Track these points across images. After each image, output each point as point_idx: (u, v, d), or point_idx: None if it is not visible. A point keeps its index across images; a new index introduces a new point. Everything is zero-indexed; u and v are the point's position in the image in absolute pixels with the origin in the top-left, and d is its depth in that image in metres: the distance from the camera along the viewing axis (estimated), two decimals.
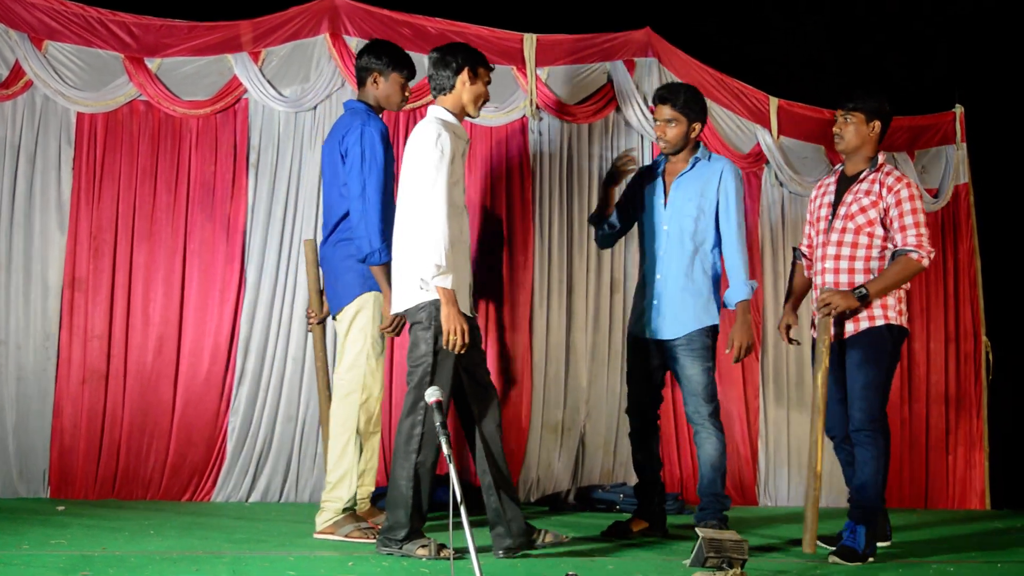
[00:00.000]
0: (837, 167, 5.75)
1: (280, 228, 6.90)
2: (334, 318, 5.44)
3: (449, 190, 4.73)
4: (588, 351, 7.34)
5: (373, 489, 5.72)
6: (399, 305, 4.87)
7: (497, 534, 4.84)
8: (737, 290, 5.59)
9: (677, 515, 6.81)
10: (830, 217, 5.55)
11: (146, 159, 6.82)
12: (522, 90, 7.32)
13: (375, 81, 5.47)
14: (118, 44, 6.79)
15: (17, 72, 6.65)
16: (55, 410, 6.55)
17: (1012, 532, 6.68)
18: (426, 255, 4.67)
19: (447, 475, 6.74)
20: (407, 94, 5.60)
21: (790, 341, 5.85)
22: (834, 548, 5.13)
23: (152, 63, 6.84)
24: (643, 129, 7.53)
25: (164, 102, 6.83)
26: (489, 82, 5.05)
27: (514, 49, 7.32)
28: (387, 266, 5.06)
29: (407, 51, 7.01)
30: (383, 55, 5.50)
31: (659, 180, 5.79)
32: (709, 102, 7.67)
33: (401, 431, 4.80)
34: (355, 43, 7.04)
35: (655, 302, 5.65)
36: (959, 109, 8.37)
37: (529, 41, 7.33)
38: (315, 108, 7.04)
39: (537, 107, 7.33)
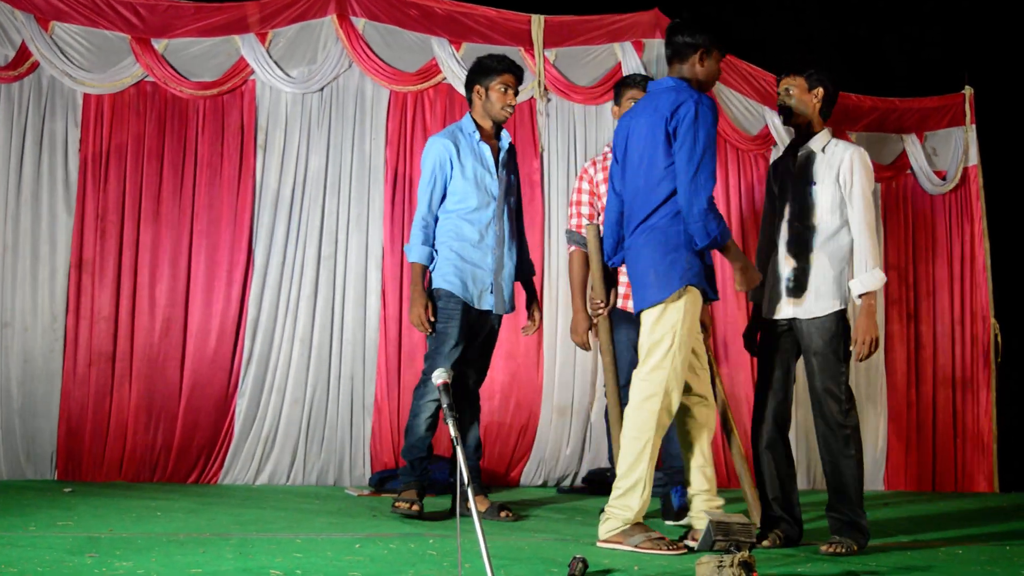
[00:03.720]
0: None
1: (288, 209, 6.90)
2: (638, 314, 4.78)
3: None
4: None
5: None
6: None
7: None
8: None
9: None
10: None
11: (153, 140, 6.82)
12: (530, 71, 7.29)
13: (702, 59, 4.77)
14: (125, 25, 6.79)
15: (23, 53, 6.65)
16: (62, 392, 6.57)
17: (1021, 514, 6.65)
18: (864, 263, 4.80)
19: (439, 456, 6.78)
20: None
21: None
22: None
23: (159, 44, 6.84)
24: None
25: (171, 83, 6.82)
26: None
27: (522, 30, 7.30)
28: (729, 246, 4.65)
29: (415, 32, 7.04)
30: (709, 30, 4.83)
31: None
32: (718, 84, 7.66)
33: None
34: (362, 24, 7.03)
35: None
36: (968, 91, 8.33)
37: (537, 22, 7.30)
38: (322, 89, 7.04)
39: (545, 88, 7.31)
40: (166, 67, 6.82)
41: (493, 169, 5.58)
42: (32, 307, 6.59)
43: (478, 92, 5.59)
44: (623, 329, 5.69)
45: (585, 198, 5.94)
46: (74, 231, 6.66)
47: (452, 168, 5.50)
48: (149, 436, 6.63)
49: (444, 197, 5.53)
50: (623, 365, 5.77)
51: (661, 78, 4.82)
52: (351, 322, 6.92)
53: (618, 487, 4.70)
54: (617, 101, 5.97)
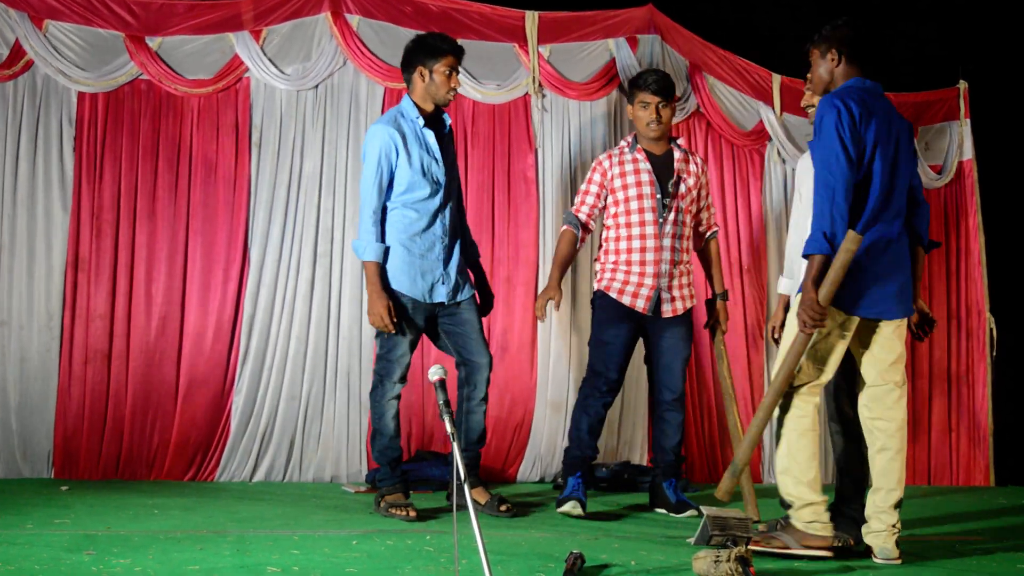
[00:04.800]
0: (632, 144, 6.05)
1: (284, 206, 6.89)
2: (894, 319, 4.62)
3: None
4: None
5: None
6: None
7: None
8: None
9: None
10: (659, 195, 5.86)
11: (148, 138, 6.81)
12: (524, 68, 7.29)
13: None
14: (119, 23, 6.78)
15: (17, 52, 6.64)
16: (59, 391, 6.56)
17: (1017, 508, 6.66)
18: None
19: (435, 452, 6.79)
20: None
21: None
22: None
23: (153, 42, 6.82)
24: None
25: (166, 81, 6.82)
26: None
27: (516, 26, 7.29)
28: None
29: (409, 28, 7.04)
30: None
31: None
32: (712, 79, 7.67)
33: None
34: (356, 21, 7.02)
35: None
36: (963, 85, 8.33)
37: (531, 18, 7.30)
38: (317, 87, 7.03)
39: (540, 85, 7.31)
40: (160, 65, 6.81)
41: (439, 155, 5.49)
42: (28, 306, 6.58)
43: (421, 73, 5.45)
44: (625, 324, 5.94)
45: (594, 188, 6.03)
46: (70, 229, 6.65)
47: (398, 157, 5.39)
48: (146, 434, 6.63)
49: (390, 188, 5.45)
50: (623, 361, 5.87)
51: (874, 81, 4.76)
52: (347, 319, 6.92)
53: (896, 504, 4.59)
54: (630, 101, 6.10)
